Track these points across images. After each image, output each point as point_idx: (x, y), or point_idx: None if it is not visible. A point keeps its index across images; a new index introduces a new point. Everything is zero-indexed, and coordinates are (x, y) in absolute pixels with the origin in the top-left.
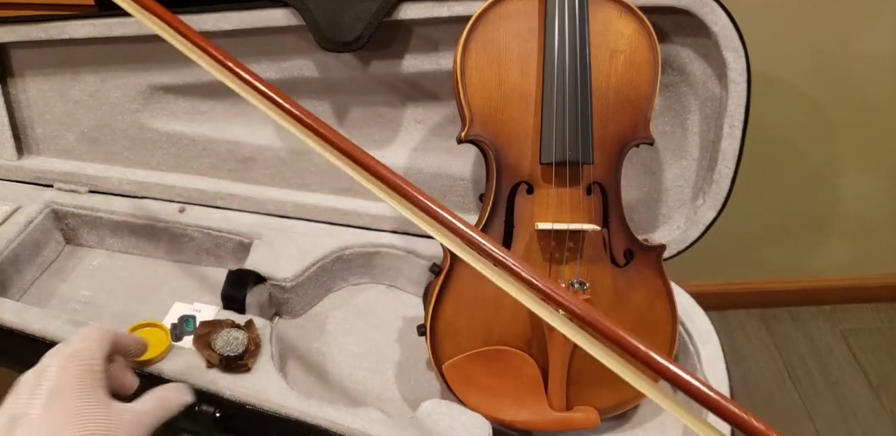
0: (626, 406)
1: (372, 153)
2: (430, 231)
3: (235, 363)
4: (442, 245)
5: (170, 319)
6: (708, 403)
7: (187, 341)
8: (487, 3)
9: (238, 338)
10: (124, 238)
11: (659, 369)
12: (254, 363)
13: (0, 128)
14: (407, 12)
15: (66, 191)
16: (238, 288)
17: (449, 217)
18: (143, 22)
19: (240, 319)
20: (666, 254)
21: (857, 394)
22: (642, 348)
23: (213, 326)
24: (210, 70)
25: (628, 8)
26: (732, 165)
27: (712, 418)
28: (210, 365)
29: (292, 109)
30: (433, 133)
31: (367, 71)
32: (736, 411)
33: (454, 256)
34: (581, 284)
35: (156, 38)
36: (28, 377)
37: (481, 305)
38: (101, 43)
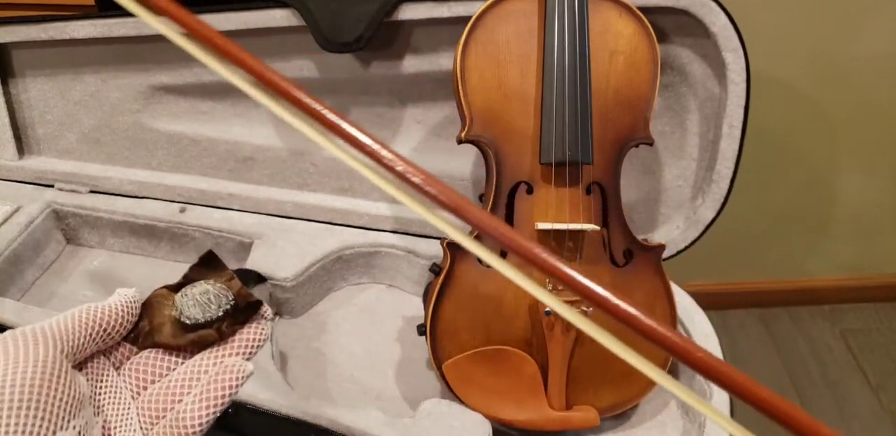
0: (625, 406)
1: None
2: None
3: (233, 325)
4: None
5: None
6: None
7: None
8: (487, 3)
9: (209, 291)
10: (125, 238)
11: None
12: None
13: (1, 128)
14: (407, 13)
15: (66, 191)
16: None
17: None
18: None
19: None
20: (665, 254)
21: (857, 394)
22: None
23: (157, 299)
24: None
25: (628, 8)
26: (732, 165)
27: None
28: (181, 347)
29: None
30: (433, 133)
31: (368, 71)
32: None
33: (454, 256)
34: None
35: (156, 39)
36: None
37: (481, 304)
38: (101, 43)
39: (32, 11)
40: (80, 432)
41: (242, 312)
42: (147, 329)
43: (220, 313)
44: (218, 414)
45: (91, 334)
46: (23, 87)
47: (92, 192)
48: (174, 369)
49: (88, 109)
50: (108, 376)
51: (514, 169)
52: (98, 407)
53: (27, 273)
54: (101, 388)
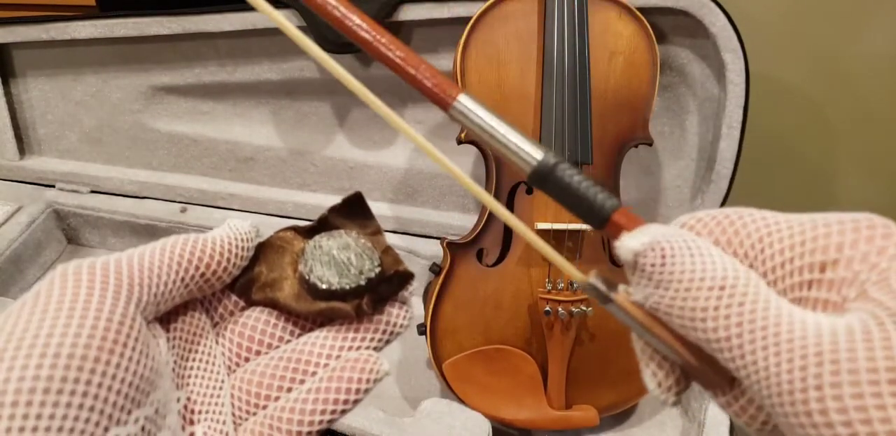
0: (624, 405)
1: (372, 154)
2: None
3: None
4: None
5: None
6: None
7: None
8: (487, 4)
9: (350, 247)
10: (126, 238)
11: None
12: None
13: (2, 128)
14: (407, 13)
15: (67, 191)
16: None
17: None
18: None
19: None
20: None
21: None
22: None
23: (280, 242)
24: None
25: (627, 9)
26: (731, 166)
27: None
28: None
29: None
30: (433, 133)
31: (368, 71)
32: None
33: (454, 256)
34: None
35: (157, 39)
36: None
37: (481, 304)
38: (102, 43)
39: (34, 12)
40: (143, 427)
41: (387, 285)
42: (263, 280)
43: (362, 282)
44: (335, 422)
45: (184, 278)
46: (24, 88)
47: (93, 192)
48: (288, 341)
49: (89, 109)
50: (203, 338)
51: (513, 169)
52: (183, 378)
53: (28, 273)
54: (192, 353)
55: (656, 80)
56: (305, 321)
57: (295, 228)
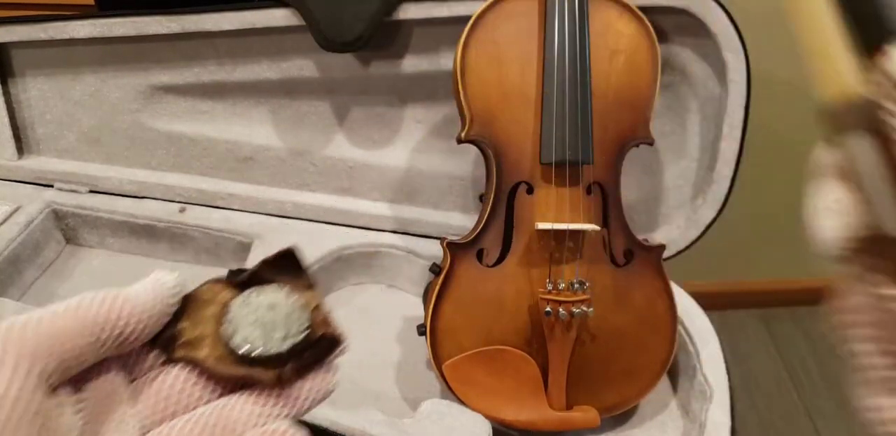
0: (625, 405)
1: (371, 153)
2: None
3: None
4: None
5: None
6: None
7: None
8: (488, 3)
9: (278, 306)
10: (125, 238)
11: None
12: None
13: (0, 128)
14: (407, 12)
15: (66, 191)
16: None
17: None
18: None
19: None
20: (666, 254)
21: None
22: None
23: (207, 296)
24: None
25: (628, 8)
26: (732, 166)
27: None
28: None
29: None
30: (433, 133)
31: (368, 71)
32: None
33: (454, 256)
34: (581, 283)
35: (156, 38)
36: None
37: (481, 304)
38: (101, 43)
39: (32, 11)
40: None
41: (313, 351)
42: (185, 337)
43: (285, 347)
44: None
45: (99, 339)
46: (22, 87)
47: (91, 191)
48: (208, 401)
49: (88, 108)
50: (116, 401)
51: (514, 169)
52: None
53: (26, 273)
54: (103, 416)
55: (657, 79)
56: (228, 382)
57: (223, 280)
